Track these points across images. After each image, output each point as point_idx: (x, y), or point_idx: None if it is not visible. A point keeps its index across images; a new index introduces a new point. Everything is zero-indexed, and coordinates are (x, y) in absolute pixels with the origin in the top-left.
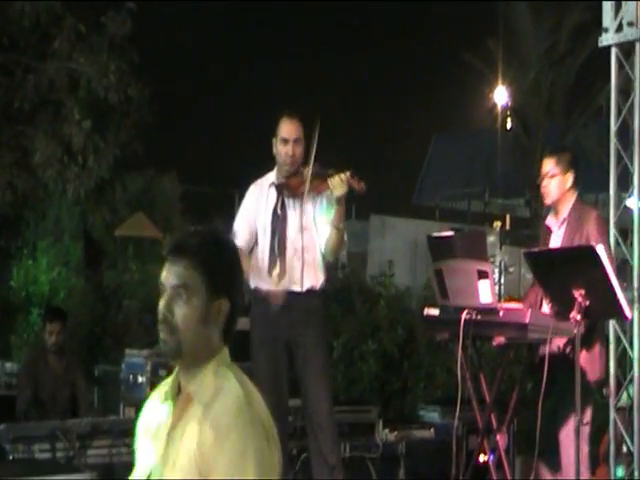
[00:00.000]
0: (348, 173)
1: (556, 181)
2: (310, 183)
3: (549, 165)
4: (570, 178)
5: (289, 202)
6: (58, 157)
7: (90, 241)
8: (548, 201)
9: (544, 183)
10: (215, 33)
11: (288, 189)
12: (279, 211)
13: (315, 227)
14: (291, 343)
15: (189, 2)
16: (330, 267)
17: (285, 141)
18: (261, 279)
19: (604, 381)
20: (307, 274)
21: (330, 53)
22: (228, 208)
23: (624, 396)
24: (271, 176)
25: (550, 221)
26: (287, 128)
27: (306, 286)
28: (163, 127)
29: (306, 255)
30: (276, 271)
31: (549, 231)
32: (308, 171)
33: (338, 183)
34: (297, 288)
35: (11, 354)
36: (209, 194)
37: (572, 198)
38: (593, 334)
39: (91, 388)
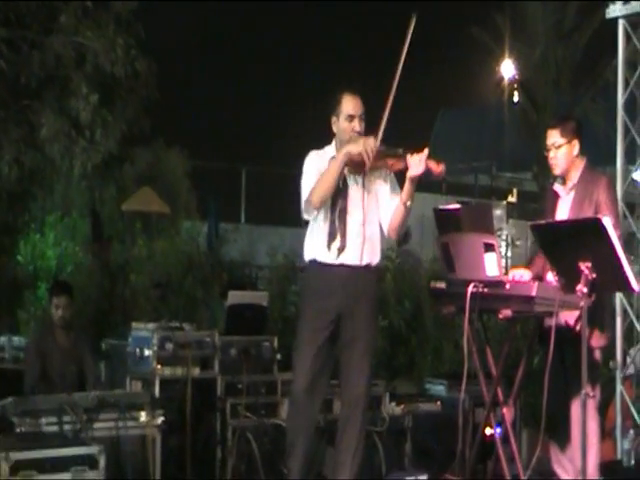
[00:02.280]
0: (426, 152)
1: (563, 151)
2: (379, 160)
3: (554, 136)
4: (576, 145)
5: (350, 177)
6: (65, 132)
7: (97, 216)
8: (557, 171)
9: (551, 154)
10: (224, 7)
11: (352, 164)
12: (340, 185)
13: (377, 203)
14: (341, 316)
15: None
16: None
17: (351, 117)
18: (319, 252)
19: (609, 347)
20: (366, 249)
21: (337, 26)
22: (235, 183)
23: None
24: (329, 150)
25: (558, 187)
26: (352, 104)
27: (365, 261)
28: (171, 102)
29: (366, 230)
30: (336, 244)
31: (556, 196)
32: (371, 144)
33: (416, 162)
34: (356, 262)
35: (19, 329)
36: (216, 169)
37: (581, 165)
38: (598, 302)
39: (98, 362)
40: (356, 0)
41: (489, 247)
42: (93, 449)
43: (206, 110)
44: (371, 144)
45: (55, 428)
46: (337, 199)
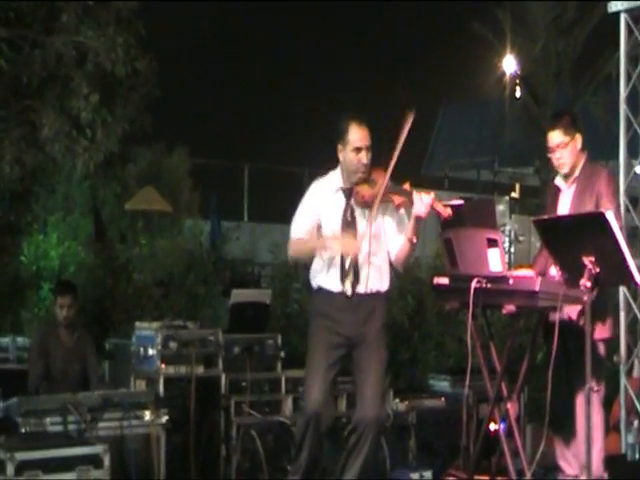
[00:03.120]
0: (433, 195)
1: (568, 149)
2: (386, 195)
3: (558, 137)
4: (579, 139)
5: (358, 209)
6: (66, 131)
7: (100, 215)
8: (566, 170)
9: (557, 155)
10: (226, 5)
11: (358, 198)
12: (349, 218)
13: (385, 234)
14: (352, 340)
15: None
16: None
17: (358, 149)
18: (329, 282)
19: (613, 341)
20: (372, 277)
21: (339, 24)
22: (237, 181)
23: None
24: (335, 178)
25: (559, 181)
26: (360, 135)
27: (371, 289)
28: (173, 101)
29: (373, 259)
30: (349, 280)
31: (558, 190)
32: (382, 182)
33: (420, 202)
34: (365, 290)
35: (22, 329)
36: (219, 167)
37: (582, 158)
38: (601, 295)
39: (101, 362)
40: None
41: (492, 242)
42: (98, 448)
43: (208, 108)
44: (352, 245)
45: (59, 428)
46: (346, 232)
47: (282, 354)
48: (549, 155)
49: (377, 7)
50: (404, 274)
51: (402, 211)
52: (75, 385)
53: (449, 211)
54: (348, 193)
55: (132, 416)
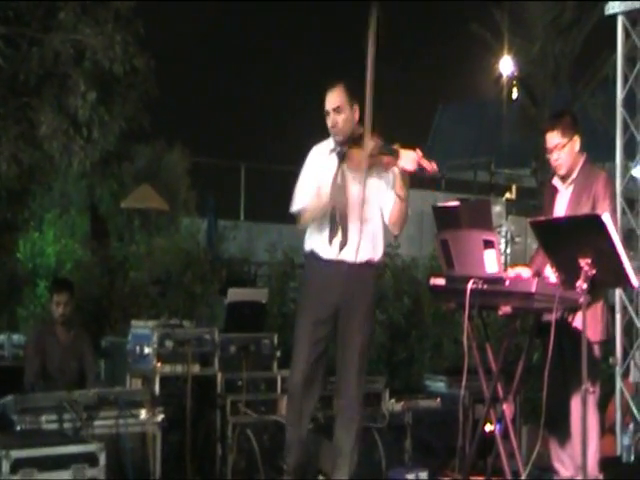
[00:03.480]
0: (418, 151)
1: (566, 150)
2: (374, 158)
3: (556, 137)
4: (577, 141)
5: (350, 174)
6: (63, 129)
7: (96, 213)
8: (563, 171)
9: (554, 156)
10: (224, 4)
11: (350, 161)
12: (339, 180)
13: (378, 199)
14: (339, 312)
15: None
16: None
17: (327, 113)
18: (320, 245)
19: (608, 343)
20: (364, 246)
21: (337, 22)
22: (234, 180)
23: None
24: (329, 142)
25: (557, 182)
26: (327, 99)
27: (362, 258)
28: (170, 99)
29: (365, 227)
30: (337, 240)
31: (555, 190)
32: (370, 145)
33: (407, 157)
34: (355, 259)
35: (18, 326)
36: (216, 166)
37: (581, 160)
38: (594, 297)
39: (97, 360)
40: None
41: (489, 243)
42: (93, 447)
43: (205, 107)
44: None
45: (55, 426)
46: (337, 196)
47: (278, 353)
48: (547, 156)
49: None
50: (401, 274)
51: (394, 171)
52: (71, 383)
53: (434, 166)
54: (341, 156)
55: (128, 414)
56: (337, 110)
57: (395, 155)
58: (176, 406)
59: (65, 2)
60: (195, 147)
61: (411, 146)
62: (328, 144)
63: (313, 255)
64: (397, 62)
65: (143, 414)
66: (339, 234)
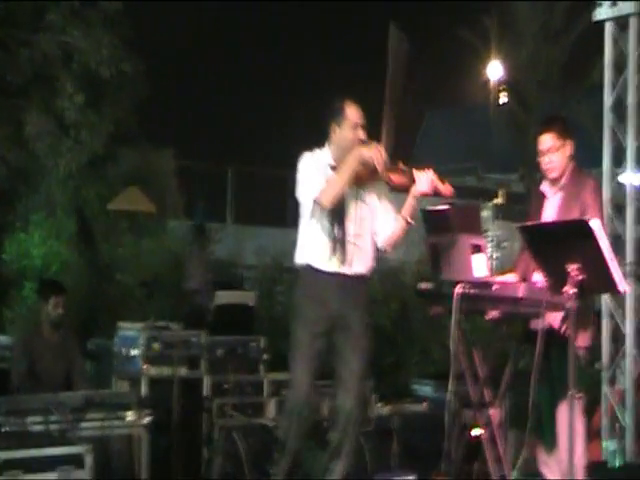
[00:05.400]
0: (432, 172)
1: (560, 153)
2: (384, 174)
3: (550, 140)
4: (570, 146)
5: (348, 189)
6: (50, 130)
7: (83, 215)
8: (554, 175)
9: (547, 159)
10: (212, 7)
11: (356, 173)
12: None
13: (372, 216)
14: (336, 325)
15: None
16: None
17: (356, 126)
18: (319, 261)
19: (594, 348)
20: (360, 260)
21: (325, 29)
22: (222, 183)
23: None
24: (324, 155)
25: (545, 187)
26: (357, 112)
27: (356, 271)
28: (159, 102)
29: (359, 241)
30: (337, 256)
31: (543, 196)
32: (384, 157)
33: (423, 180)
34: (351, 272)
35: (4, 327)
36: (204, 169)
37: (570, 166)
38: (583, 302)
39: (85, 362)
40: (345, 2)
41: (477, 248)
42: (80, 449)
43: (193, 110)
44: (382, 151)
45: (41, 428)
46: (335, 210)
47: (265, 357)
48: (539, 159)
49: (362, 11)
50: (388, 279)
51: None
52: (59, 385)
53: (450, 188)
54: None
55: (115, 417)
56: (364, 127)
57: (406, 173)
58: (163, 409)
59: (54, 4)
60: (183, 150)
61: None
62: (321, 157)
63: (310, 268)
64: (385, 66)
65: (130, 416)
66: (339, 250)
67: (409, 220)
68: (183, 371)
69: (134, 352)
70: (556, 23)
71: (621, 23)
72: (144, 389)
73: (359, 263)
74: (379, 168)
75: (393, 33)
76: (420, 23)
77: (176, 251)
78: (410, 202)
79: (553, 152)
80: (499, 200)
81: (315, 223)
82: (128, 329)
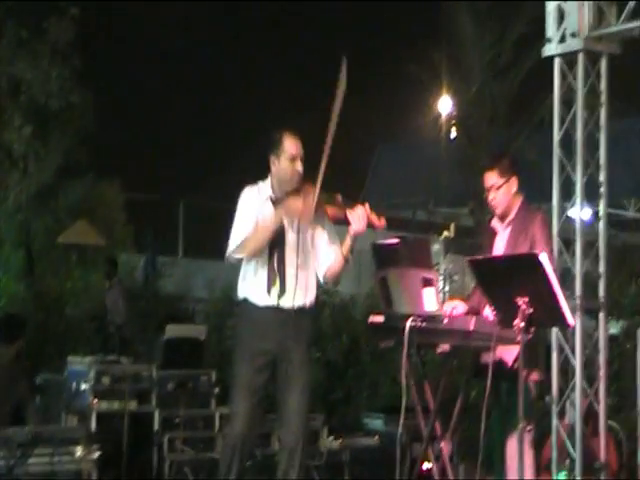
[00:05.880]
0: (367, 207)
1: (502, 190)
2: (319, 208)
3: (492, 178)
4: (514, 183)
5: (287, 221)
6: None
7: (31, 249)
8: (498, 212)
9: (491, 196)
10: (159, 37)
11: (287, 208)
12: (277, 228)
13: (313, 247)
14: (277, 358)
15: (135, 6)
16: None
17: (294, 158)
18: (257, 295)
19: (543, 382)
20: (301, 293)
21: (271, 58)
22: (172, 215)
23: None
24: (265, 188)
25: (495, 223)
26: (295, 145)
27: (299, 303)
28: (107, 134)
29: (301, 274)
30: (276, 290)
31: (494, 233)
32: (314, 194)
33: (357, 219)
34: (291, 305)
35: None
36: (152, 202)
37: (518, 201)
38: (533, 336)
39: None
40: (293, 33)
41: (427, 282)
42: None
43: (142, 142)
44: (309, 202)
45: None
46: (274, 243)
47: (216, 390)
48: (485, 195)
49: (313, 45)
50: (339, 312)
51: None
52: (8, 420)
53: (383, 222)
54: (277, 203)
55: (63, 452)
56: (302, 159)
57: (342, 208)
58: (112, 443)
59: (1, 35)
60: (133, 182)
61: (353, 201)
62: (261, 190)
63: (248, 303)
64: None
65: (79, 451)
66: (277, 284)
67: (348, 258)
68: (133, 405)
69: (84, 386)
70: (505, 59)
71: (569, 59)
72: (93, 424)
73: (300, 295)
74: (303, 220)
75: (343, 69)
76: (370, 60)
77: (126, 284)
78: (348, 241)
79: (496, 190)
80: (449, 234)
81: (254, 259)
82: (77, 363)
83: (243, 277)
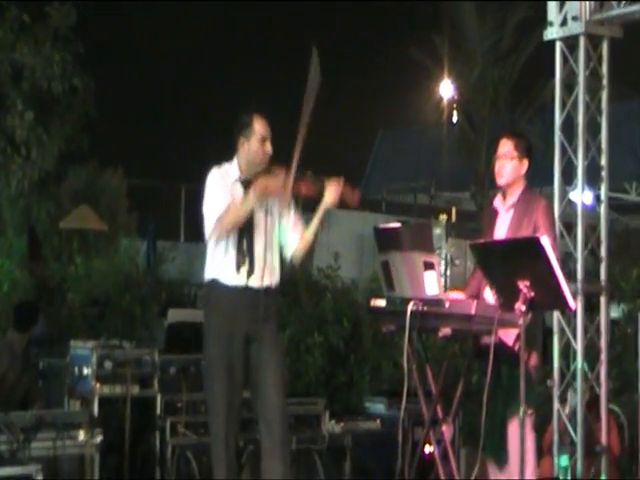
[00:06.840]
0: (341, 181)
1: (512, 164)
2: (291, 186)
3: (508, 146)
4: (525, 165)
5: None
6: (1, 149)
7: (34, 234)
8: (501, 182)
9: (499, 163)
10: (161, 25)
11: (256, 187)
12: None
13: (279, 228)
14: (249, 338)
15: None
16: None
17: (264, 139)
18: (226, 274)
19: (541, 367)
20: (268, 273)
21: (276, 44)
22: (174, 201)
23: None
24: (232, 169)
25: (497, 204)
26: (263, 125)
27: (266, 284)
28: (109, 120)
29: (269, 254)
30: (245, 268)
31: (495, 213)
32: (290, 175)
33: (332, 192)
34: (259, 285)
35: None
36: (155, 188)
37: (522, 185)
38: (534, 320)
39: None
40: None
41: (429, 266)
42: (30, 469)
43: (144, 127)
44: (285, 178)
45: None
46: (243, 224)
47: None
48: (494, 162)
49: (314, 29)
50: (341, 297)
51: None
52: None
53: (357, 197)
54: (247, 184)
55: (66, 436)
56: (270, 139)
57: (316, 184)
58: (115, 428)
59: (3, 20)
60: (135, 168)
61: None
62: (228, 172)
63: (217, 283)
64: (338, 86)
65: (81, 436)
66: (246, 262)
67: (314, 233)
68: (135, 390)
69: (86, 371)
70: (506, 43)
71: (571, 43)
72: (96, 408)
73: (268, 275)
74: (282, 201)
75: (314, 58)
76: (372, 44)
77: (128, 270)
78: (319, 215)
79: (506, 159)
80: (445, 217)
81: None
82: (80, 347)
83: (212, 258)
